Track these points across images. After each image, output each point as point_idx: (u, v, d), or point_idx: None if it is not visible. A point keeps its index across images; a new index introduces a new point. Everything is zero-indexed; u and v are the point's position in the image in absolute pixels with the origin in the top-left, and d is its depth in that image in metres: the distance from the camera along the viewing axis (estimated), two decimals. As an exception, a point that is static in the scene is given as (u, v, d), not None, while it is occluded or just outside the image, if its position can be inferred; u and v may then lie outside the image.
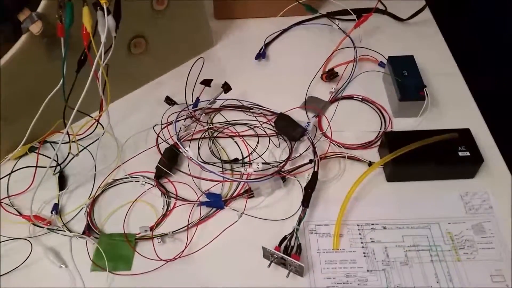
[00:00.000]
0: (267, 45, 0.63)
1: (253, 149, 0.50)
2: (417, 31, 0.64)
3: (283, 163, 0.46)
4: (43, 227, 0.43)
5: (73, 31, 0.41)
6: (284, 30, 0.65)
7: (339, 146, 0.50)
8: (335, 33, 0.64)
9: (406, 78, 0.53)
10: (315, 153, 0.47)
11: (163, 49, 0.56)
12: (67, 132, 0.43)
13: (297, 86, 0.56)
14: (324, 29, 0.65)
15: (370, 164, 0.47)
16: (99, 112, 0.45)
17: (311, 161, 0.47)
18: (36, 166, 0.46)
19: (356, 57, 0.60)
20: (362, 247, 0.42)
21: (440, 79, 0.56)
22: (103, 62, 0.40)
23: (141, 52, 0.54)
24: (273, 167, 0.46)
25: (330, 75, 0.57)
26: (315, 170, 0.45)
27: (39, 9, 0.43)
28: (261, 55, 0.61)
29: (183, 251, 0.41)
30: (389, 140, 0.47)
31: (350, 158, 0.48)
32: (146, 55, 0.55)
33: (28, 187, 0.46)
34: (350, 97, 0.55)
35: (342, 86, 0.57)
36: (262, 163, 0.47)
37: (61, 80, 0.42)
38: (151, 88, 0.58)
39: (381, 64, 0.59)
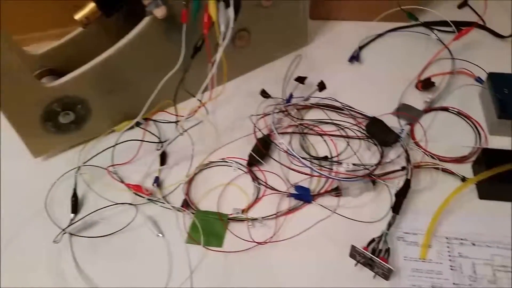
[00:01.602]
0: (361, 48, 0.63)
1: (345, 149, 0.50)
2: (518, 50, 0.62)
3: (375, 166, 0.47)
4: (144, 197, 0.46)
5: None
6: (379, 35, 0.65)
7: (432, 157, 0.49)
8: (431, 43, 0.63)
9: (507, 96, 0.52)
10: (408, 160, 0.47)
11: (261, 44, 0.58)
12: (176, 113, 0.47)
13: (389, 92, 0.57)
14: (420, 38, 0.64)
15: (463, 179, 0.47)
16: (201, 96, 0.47)
17: (403, 168, 0.47)
18: (142, 141, 0.50)
19: (454, 69, 0.59)
20: (450, 260, 0.42)
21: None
22: (219, 52, 0.42)
23: (243, 45, 0.56)
24: (364, 169, 0.47)
25: (426, 85, 0.56)
26: (408, 177, 0.45)
27: (164, -5, 0.46)
28: (355, 57, 0.61)
29: (272, 237, 0.43)
30: (487, 157, 0.46)
31: (443, 170, 0.48)
32: (246, 48, 0.57)
33: (132, 159, 0.50)
34: (445, 109, 0.55)
35: (437, 97, 0.56)
36: (353, 164, 0.47)
37: (177, 65, 0.45)
38: (245, 80, 0.60)
39: (478, 79, 0.58)
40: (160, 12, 0.45)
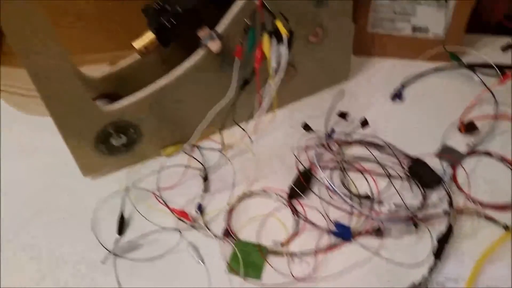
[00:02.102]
0: (403, 86, 0.64)
1: (387, 188, 0.51)
2: None
3: (418, 209, 0.47)
4: (187, 223, 0.47)
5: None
6: (422, 74, 0.66)
7: (474, 202, 0.49)
8: (474, 85, 0.63)
9: (554, 145, 0.51)
10: (451, 205, 0.47)
11: (305, 77, 0.60)
12: (222, 141, 0.48)
13: (431, 132, 0.57)
14: (463, 79, 0.65)
15: (506, 227, 0.46)
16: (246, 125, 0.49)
17: (445, 212, 0.47)
18: (188, 166, 0.52)
19: (497, 113, 0.59)
20: (491, 310, 0.41)
21: None
22: (270, 89, 0.44)
23: (287, 78, 0.58)
24: (406, 211, 0.47)
25: (468, 127, 0.56)
26: (451, 223, 0.45)
27: (219, 30, 0.48)
28: (397, 95, 0.62)
29: (311, 274, 0.43)
30: (533, 208, 0.45)
31: (485, 217, 0.47)
32: (290, 81, 0.58)
33: (177, 183, 0.51)
34: (487, 154, 0.54)
35: (480, 141, 0.56)
36: (395, 204, 0.48)
37: (228, 97, 0.46)
38: (288, 111, 0.61)
39: (522, 125, 0.57)
40: (214, 46, 0.47)
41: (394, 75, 0.65)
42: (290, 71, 0.57)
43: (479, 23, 0.69)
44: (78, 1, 0.61)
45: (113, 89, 0.52)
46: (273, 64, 0.44)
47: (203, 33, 0.49)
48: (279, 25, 0.43)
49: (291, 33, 0.45)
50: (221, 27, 0.48)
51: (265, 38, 0.44)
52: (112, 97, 0.52)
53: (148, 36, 0.47)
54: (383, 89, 0.63)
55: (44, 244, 0.48)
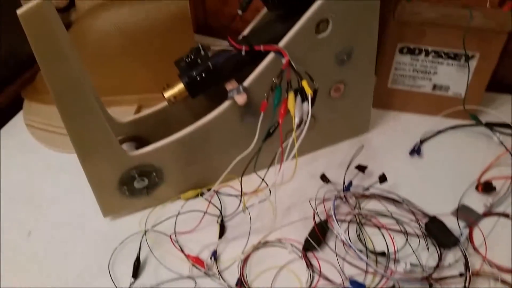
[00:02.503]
0: (422, 142, 0.64)
1: (403, 246, 0.51)
2: None
3: (433, 269, 0.47)
4: (201, 270, 0.48)
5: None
6: (441, 131, 0.66)
7: (490, 265, 0.48)
8: (493, 144, 0.63)
9: None
10: (467, 267, 0.47)
11: (325, 128, 0.61)
12: (241, 188, 0.49)
13: (449, 190, 0.57)
14: (482, 138, 0.65)
15: (524, 294, 0.46)
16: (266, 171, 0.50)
17: (461, 275, 0.47)
18: (205, 212, 0.53)
19: (515, 174, 0.59)
20: None
21: None
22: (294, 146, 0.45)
23: (308, 130, 0.59)
24: (421, 271, 0.47)
25: (486, 188, 0.56)
26: (467, 286, 0.45)
27: (246, 84, 0.50)
28: (416, 151, 0.63)
29: (324, 331, 0.43)
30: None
31: (502, 281, 0.47)
32: (310, 132, 0.60)
33: (194, 228, 0.52)
34: (505, 215, 0.54)
35: (498, 202, 0.56)
36: (411, 264, 0.47)
37: (250, 148, 0.48)
38: (307, 161, 0.62)
39: (541, 188, 0.57)
40: (241, 99, 0.49)
41: (413, 129, 0.66)
42: (310, 122, 0.58)
43: (500, 82, 0.71)
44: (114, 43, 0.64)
45: (140, 132, 0.54)
46: (296, 120, 0.46)
47: (230, 86, 0.51)
48: (305, 85, 0.45)
49: (315, 92, 0.46)
50: (248, 81, 0.50)
51: (291, 96, 0.45)
52: (139, 140, 0.54)
53: (178, 87, 0.50)
54: (402, 143, 0.64)
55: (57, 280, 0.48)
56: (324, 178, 0.57)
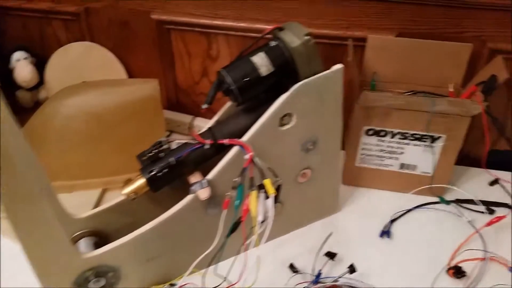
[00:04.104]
0: (392, 221, 0.64)
1: None
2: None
3: None
4: None
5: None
6: (410, 210, 0.66)
7: None
8: (463, 223, 0.63)
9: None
10: None
11: (293, 213, 0.60)
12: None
13: (420, 275, 0.56)
14: (452, 216, 0.65)
15: None
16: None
17: None
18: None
19: (486, 256, 0.58)
20: None
21: None
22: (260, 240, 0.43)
23: (276, 214, 0.58)
24: None
25: (457, 273, 0.55)
26: None
27: (209, 177, 0.49)
28: (385, 232, 0.62)
29: None
30: None
31: None
32: (278, 217, 0.58)
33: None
34: (478, 306, 0.53)
35: (469, 285, 0.55)
36: None
37: (213, 245, 0.46)
38: (274, 246, 0.60)
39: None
40: (204, 194, 0.47)
41: (383, 207, 0.65)
42: (277, 208, 0.57)
43: (466, 156, 0.71)
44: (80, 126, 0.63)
45: (101, 226, 0.52)
46: (259, 218, 0.44)
47: (193, 179, 0.49)
48: (267, 184, 0.44)
49: (278, 188, 0.45)
50: (211, 174, 0.49)
51: (253, 195, 0.44)
52: (99, 235, 0.52)
53: (140, 182, 0.48)
54: (372, 223, 0.63)
55: None
56: (292, 267, 0.55)
